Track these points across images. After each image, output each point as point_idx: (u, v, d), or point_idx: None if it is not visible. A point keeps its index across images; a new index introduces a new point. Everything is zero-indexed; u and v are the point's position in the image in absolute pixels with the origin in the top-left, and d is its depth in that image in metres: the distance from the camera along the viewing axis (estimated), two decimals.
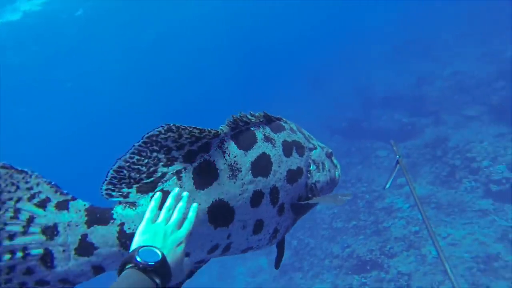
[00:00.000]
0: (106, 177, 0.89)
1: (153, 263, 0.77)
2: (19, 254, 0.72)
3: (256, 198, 1.01)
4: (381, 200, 7.98)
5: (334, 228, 8.26)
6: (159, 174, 0.91)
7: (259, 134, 1.10)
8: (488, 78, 10.17)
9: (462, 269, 5.46)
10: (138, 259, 0.77)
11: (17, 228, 0.73)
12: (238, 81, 27.49)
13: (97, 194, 0.91)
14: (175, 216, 0.91)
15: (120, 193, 0.91)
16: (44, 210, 0.78)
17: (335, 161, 1.48)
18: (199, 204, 0.93)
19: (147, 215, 0.90)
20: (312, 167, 1.26)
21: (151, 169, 0.91)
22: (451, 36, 14.35)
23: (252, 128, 1.09)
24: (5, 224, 0.72)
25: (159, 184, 0.93)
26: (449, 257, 5.74)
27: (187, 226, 0.91)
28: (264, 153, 1.06)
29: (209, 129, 0.98)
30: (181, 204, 0.92)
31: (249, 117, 1.12)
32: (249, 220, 1.01)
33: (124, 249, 0.86)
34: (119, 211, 0.89)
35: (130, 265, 0.77)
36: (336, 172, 1.44)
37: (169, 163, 0.92)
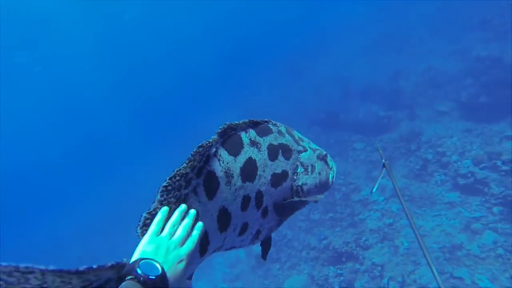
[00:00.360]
0: (139, 220, 0.94)
1: (153, 277, 0.78)
2: None
3: (245, 202, 1.06)
4: (357, 193, 8.21)
5: (311, 220, 8.44)
6: (183, 197, 0.95)
7: (245, 138, 1.12)
8: (458, 75, 10.58)
9: (432, 259, 5.75)
10: (139, 271, 0.78)
11: None
12: (216, 68, 27.03)
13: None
14: (179, 232, 0.91)
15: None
16: None
17: (330, 163, 1.49)
18: (212, 214, 0.96)
19: (152, 227, 0.90)
20: (300, 170, 1.28)
21: (177, 196, 0.95)
22: (426, 31, 14.71)
23: (238, 133, 1.11)
24: None
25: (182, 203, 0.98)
26: (420, 248, 6.04)
27: (190, 244, 0.91)
28: (250, 157, 1.09)
29: (205, 142, 1.01)
30: (186, 221, 0.93)
31: (236, 122, 1.13)
32: (238, 223, 1.06)
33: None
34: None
35: (130, 276, 0.77)
36: (330, 174, 1.45)
37: (188, 184, 0.96)
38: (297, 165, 1.28)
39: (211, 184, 0.98)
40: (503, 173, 6.48)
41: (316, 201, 1.27)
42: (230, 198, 1.02)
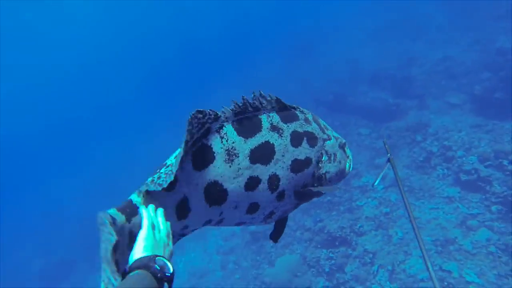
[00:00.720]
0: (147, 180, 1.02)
1: (169, 275, 0.88)
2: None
3: (252, 183, 1.07)
4: (357, 179, 8.20)
5: (309, 201, 8.49)
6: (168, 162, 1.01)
7: (265, 123, 1.13)
8: (475, 67, 10.22)
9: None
10: (157, 267, 0.86)
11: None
12: (225, 43, 26.42)
13: None
14: (162, 228, 0.98)
15: (137, 191, 1.03)
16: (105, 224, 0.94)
17: (348, 151, 1.49)
18: (196, 185, 0.99)
19: (146, 222, 0.95)
20: (324, 158, 1.30)
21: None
22: (445, 19, 14.10)
23: (260, 116, 1.13)
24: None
25: (167, 168, 1.00)
26: (413, 239, 6.08)
27: (171, 241, 1.00)
28: (267, 142, 1.10)
29: (210, 111, 1.02)
30: (161, 219, 0.99)
31: (262, 101, 1.15)
32: (242, 202, 1.08)
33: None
34: (136, 199, 0.99)
35: (146, 270, 0.86)
36: (347, 163, 1.46)
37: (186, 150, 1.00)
38: (322, 153, 1.29)
39: (202, 157, 1.00)
40: (508, 172, 6.39)
41: (334, 191, 1.32)
42: (228, 175, 1.03)
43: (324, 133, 1.34)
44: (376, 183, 1.93)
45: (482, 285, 5.17)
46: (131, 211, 0.95)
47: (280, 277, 6.94)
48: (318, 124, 1.33)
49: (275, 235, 1.39)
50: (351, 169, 1.49)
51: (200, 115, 1.00)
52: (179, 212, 1.00)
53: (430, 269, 1.46)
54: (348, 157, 1.49)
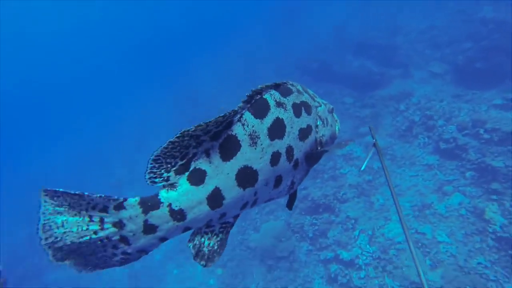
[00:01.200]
0: (147, 167, 1.06)
1: None
2: (105, 240, 1.02)
3: (275, 158, 1.18)
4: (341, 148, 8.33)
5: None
6: (190, 155, 1.08)
7: (271, 101, 1.22)
8: (459, 37, 10.26)
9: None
10: None
11: (96, 227, 1.01)
12: (213, 9, 25.35)
13: None
14: None
15: (161, 178, 1.07)
16: (108, 213, 1.02)
17: (335, 116, 1.62)
18: (227, 174, 1.09)
19: None
20: (319, 123, 1.41)
21: (183, 153, 1.07)
22: None
23: (264, 97, 1.22)
24: (88, 225, 1.00)
25: (192, 163, 1.09)
26: (393, 205, 6.36)
27: None
28: (277, 117, 1.20)
29: (229, 111, 1.11)
30: None
31: (260, 86, 1.24)
32: (270, 178, 1.18)
33: (177, 221, 1.07)
34: (164, 195, 1.06)
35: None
36: (337, 126, 1.60)
37: (198, 145, 1.07)
38: (316, 119, 1.40)
39: (230, 147, 1.10)
40: (483, 141, 6.65)
41: (341, 149, 1.41)
42: (255, 157, 1.13)
43: (314, 100, 1.44)
44: (362, 168, 1.97)
45: (450, 243, 5.56)
46: (152, 205, 1.05)
47: (265, 242, 7.17)
48: (308, 93, 1.43)
49: (290, 203, 1.50)
50: (339, 131, 1.62)
51: (219, 118, 1.08)
52: (212, 203, 1.08)
53: (407, 235, 1.49)
54: (336, 120, 1.63)
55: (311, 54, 13.47)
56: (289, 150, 1.23)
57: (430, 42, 10.90)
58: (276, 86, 1.29)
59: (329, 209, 6.70)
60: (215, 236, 1.18)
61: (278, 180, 1.23)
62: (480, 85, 8.71)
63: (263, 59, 17.11)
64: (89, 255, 1.01)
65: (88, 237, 1.00)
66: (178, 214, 1.06)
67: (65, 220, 0.99)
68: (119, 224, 1.03)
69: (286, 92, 1.29)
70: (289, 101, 1.27)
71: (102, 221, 1.02)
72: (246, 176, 1.12)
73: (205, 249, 1.17)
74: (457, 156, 6.77)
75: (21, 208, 16.22)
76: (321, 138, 1.41)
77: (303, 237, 6.73)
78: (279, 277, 6.61)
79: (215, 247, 1.17)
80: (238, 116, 1.14)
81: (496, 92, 8.21)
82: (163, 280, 8.37)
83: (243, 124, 1.13)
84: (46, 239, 0.98)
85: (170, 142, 1.05)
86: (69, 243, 0.99)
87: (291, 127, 1.24)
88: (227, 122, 1.10)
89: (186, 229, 1.11)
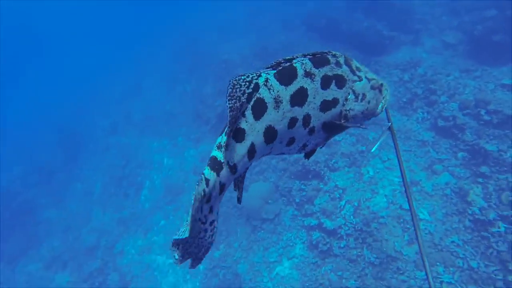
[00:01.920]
0: (219, 142, 1.27)
1: None
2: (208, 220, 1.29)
3: (292, 122, 1.31)
4: None
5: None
6: (237, 118, 1.25)
7: (300, 70, 1.30)
8: (483, 3, 9.51)
9: (388, 190, 6.16)
10: None
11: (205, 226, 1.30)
12: None
13: None
14: None
15: (216, 146, 1.28)
16: (208, 186, 1.23)
17: (384, 92, 1.59)
18: (258, 132, 1.26)
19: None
20: (350, 97, 1.44)
21: (234, 116, 1.23)
22: None
23: (295, 65, 1.31)
24: (209, 195, 1.26)
25: (237, 124, 1.26)
26: (382, 179, 6.38)
27: None
28: (302, 87, 1.30)
29: (252, 73, 1.26)
30: None
31: (294, 55, 1.34)
32: (284, 138, 1.34)
33: (233, 174, 1.27)
34: (219, 155, 1.24)
35: None
36: (380, 104, 1.58)
37: (241, 106, 1.24)
38: (348, 93, 1.43)
39: (259, 108, 1.25)
40: (482, 122, 6.50)
41: (358, 127, 1.50)
42: (277, 119, 1.28)
43: (354, 74, 1.45)
44: (373, 150, 1.98)
45: (430, 222, 5.70)
46: (219, 167, 1.23)
47: (252, 202, 7.30)
48: (350, 66, 1.44)
49: (308, 155, 1.60)
50: (383, 109, 1.61)
51: (243, 76, 1.25)
52: (250, 155, 1.27)
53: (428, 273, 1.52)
54: (384, 97, 1.60)
55: (320, 10, 12.58)
56: (306, 117, 1.34)
57: (449, 7, 10.13)
58: (313, 55, 1.35)
59: (319, 176, 6.72)
60: (242, 179, 1.40)
61: (291, 141, 1.38)
62: (493, 60, 8.28)
63: (268, 10, 16.02)
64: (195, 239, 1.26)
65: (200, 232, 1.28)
66: (233, 168, 1.26)
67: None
68: (209, 198, 1.24)
69: (320, 63, 1.35)
70: (320, 72, 1.34)
71: (205, 217, 1.27)
72: (270, 134, 1.29)
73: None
74: (453, 135, 6.66)
75: (15, 144, 16.24)
76: (347, 111, 1.44)
77: (290, 202, 6.84)
78: (262, 238, 6.85)
79: (241, 186, 1.41)
80: (264, 80, 1.27)
81: (508, 70, 7.84)
82: (151, 230, 8.67)
83: (269, 89, 1.26)
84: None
85: (228, 108, 1.21)
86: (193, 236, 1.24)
87: (314, 97, 1.33)
88: (254, 83, 1.25)
89: (235, 178, 1.32)
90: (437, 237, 5.49)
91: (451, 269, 5.21)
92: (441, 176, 6.29)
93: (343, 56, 1.43)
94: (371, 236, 5.64)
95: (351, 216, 5.92)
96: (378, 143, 1.82)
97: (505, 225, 5.28)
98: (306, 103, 1.32)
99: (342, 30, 11.40)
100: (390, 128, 1.73)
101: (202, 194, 1.21)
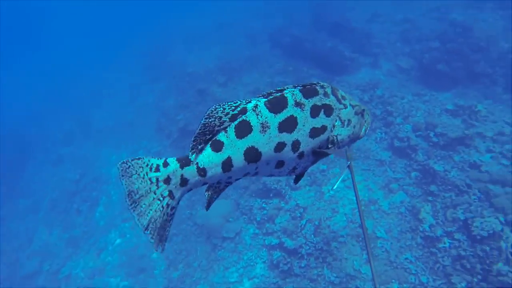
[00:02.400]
0: (191, 144, 1.35)
1: None
2: (164, 194, 1.34)
3: (279, 146, 1.39)
4: None
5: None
6: (215, 132, 1.35)
7: (290, 100, 1.40)
8: (429, 35, 10.33)
9: (348, 209, 6.31)
10: None
11: (154, 187, 1.33)
12: None
13: None
14: None
15: (196, 147, 1.36)
16: (159, 171, 1.32)
17: (366, 116, 1.72)
18: (238, 149, 1.35)
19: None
20: (337, 123, 1.55)
21: (211, 130, 1.35)
22: None
23: (285, 95, 1.41)
24: (150, 187, 1.32)
25: (216, 135, 1.35)
26: (342, 198, 6.52)
27: None
28: (292, 115, 1.39)
29: (242, 100, 1.38)
30: None
31: (285, 86, 1.45)
32: (271, 160, 1.42)
33: (201, 177, 1.34)
34: (194, 156, 1.34)
35: None
36: (363, 128, 1.72)
37: (221, 124, 1.35)
38: (336, 120, 1.54)
39: (243, 129, 1.34)
40: (431, 144, 6.93)
41: (351, 159, 1.61)
42: (262, 142, 1.36)
43: (340, 103, 1.56)
44: (335, 187, 2.12)
45: (387, 239, 5.89)
46: (186, 162, 1.33)
47: (213, 220, 7.12)
48: (336, 96, 1.55)
49: (296, 180, 1.67)
50: (366, 131, 1.74)
51: (230, 102, 1.37)
52: (224, 167, 1.34)
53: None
54: (366, 121, 1.73)
55: (285, 28, 12.92)
56: (295, 143, 1.43)
57: (402, 35, 10.88)
58: (303, 86, 1.46)
59: (280, 195, 6.73)
60: (219, 190, 1.47)
61: (280, 163, 1.46)
62: (439, 86, 8.97)
63: (235, 24, 16.19)
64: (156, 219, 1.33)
65: (152, 197, 1.33)
66: (202, 171, 1.34)
67: (137, 187, 1.33)
68: (167, 180, 1.32)
69: (310, 94, 1.45)
70: (309, 102, 1.44)
71: (157, 180, 1.32)
72: (251, 154, 1.37)
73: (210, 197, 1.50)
74: (407, 155, 7.02)
75: None
76: (334, 137, 1.55)
77: (251, 220, 6.76)
78: (223, 257, 6.66)
79: (215, 196, 1.48)
80: (253, 106, 1.37)
81: (450, 96, 8.52)
82: (105, 250, 8.12)
83: (257, 114, 1.36)
84: (131, 205, 1.31)
85: (202, 124, 1.33)
86: (144, 207, 1.33)
87: (303, 125, 1.43)
88: (241, 107, 1.36)
89: (205, 183, 1.39)
90: (392, 254, 5.68)
91: (405, 285, 5.39)
92: (396, 194, 6.57)
93: (330, 86, 1.54)
94: (331, 255, 5.70)
95: (312, 235, 5.95)
96: (339, 181, 2.00)
97: (449, 241, 5.60)
98: (296, 130, 1.41)
99: (306, 48, 11.76)
100: (349, 167, 1.82)
101: (151, 164, 1.33)
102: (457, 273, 5.30)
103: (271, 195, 6.76)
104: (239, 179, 1.49)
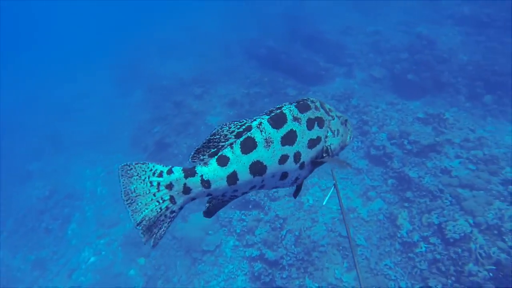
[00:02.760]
0: (191, 154, 1.43)
1: None
2: (164, 198, 1.39)
3: (283, 159, 1.48)
4: None
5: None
6: (220, 146, 1.45)
7: (289, 116, 1.51)
8: (399, 46, 10.80)
9: (328, 218, 6.34)
10: None
11: (155, 190, 1.37)
12: None
13: None
14: None
15: (200, 159, 1.44)
16: (162, 177, 1.38)
17: (349, 125, 1.86)
18: (243, 163, 1.43)
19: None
20: (329, 134, 1.68)
21: (216, 145, 1.45)
22: None
23: (284, 112, 1.51)
24: (149, 188, 1.37)
25: (220, 152, 1.43)
26: (322, 207, 6.56)
27: None
28: (291, 129, 1.50)
29: (247, 119, 1.49)
30: None
31: (282, 104, 1.57)
32: (277, 172, 1.49)
33: (204, 188, 1.39)
34: (199, 168, 1.42)
35: None
36: (348, 136, 1.85)
37: (226, 140, 1.45)
38: (327, 131, 1.67)
39: (248, 145, 1.42)
40: (406, 151, 7.16)
41: (345, 168, 1.66)
42: (267, 156, 1.44)
43: (329, 115, 1.70)
44: (324, 203, 2.28)
45: (366, 247, 5.96)
46: (192, 173, 1.39)
47: (192, 234, 6.95)
48: (324, 109, 1.70)
49: (296, 193, 1.79)
50: (352, 139, 1.87)
51: (236, 121, 1.48)
52: (229, 180, 1.41)
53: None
54: (349, 130, 1.87)
55: (261, 39, 13.09)
56: (297, 154, 1.53)
57: (374, 46, 11.30)
58: (297, 102, 1.60)
59: (259, 206, 6.68)
60: (223, 202, 1.54)
61: (284, 175, 1.54)
62: (409, 95, 9.35)
63: (210, 35, 16.23)
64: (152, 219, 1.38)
65: (150, 198, 1.37)
66: (206, 183, 1.40)
67: (135, 187, 1.37)
68: (170, 186, 1.37)
69: (304, 109, 1.58)
70: (305, 116, 1.57)
71: (159, 184, 1.37)
72: (256, 168, 1.45)
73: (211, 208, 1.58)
74: (383, 163, 7.20)
75: None
76: (328, 146, 1.67)
77: (231, 232, 6.65)
78: (203, 271, 6.49)
79: (219, 206, 1.56)
80: (258, 123, 1.47)
81: (420, 104, 8.89)
82: (77, 269, 7.70)
83: (261, 131, 1.46)
84: (127, 201, 1.35)
85: (207, 139, 1.43)
86: (140, 205, 1.37)
87: (302, 137, 1.55)
88: (247, 125, 1.47)
89: (209, 194, 1.44)
90: (372, 261, 5.74)
91: None
92: (374, 202, 6.69)
93: (318, 101, 1.69)
94: (313, 265, 5.69)
95: (293, 246, 5.92)
96: (327, 197, 2.12)
97: (425, 245, 5.74)
98: (296, 142, 1.52)
99: (281, 59, 11.95)
100: (335, 185, 2.04)
101: (155, 170, 1.39)
102: (433, 276, 5.42)
103: (250, 206, 6.70)
104: (246, 192, 1.56)
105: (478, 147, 6.95)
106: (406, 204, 6.36)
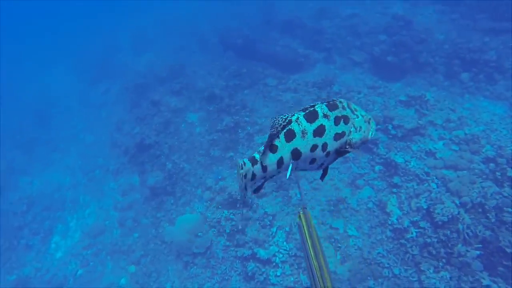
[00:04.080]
0: (259, 149, 1.79)
1: None
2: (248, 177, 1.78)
3: (313, 147, 1.81)
4: (261, 135, 8.14)
5: (211, 156, 8.18)
6: (274, 138, 1.77)
7: (320, 112, 1.81)
8: (376, 28, 10.67)
9: (317, 211, 6.27)
10: None
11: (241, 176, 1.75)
12: None
13: None
14: None
15: (257, 151, 1.79)
16: (242, 169, 1.73)
17: (372, 123, 2.07)
18: (287, 150, 1.77)
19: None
20: (352, 129, 1.91)
21: (272, 139, 1.77)
22: None
23: (317, 109, 1.81)
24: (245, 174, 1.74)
25: (274, 142, 1.78)
26: (310, 200, 6.48)
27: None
28: (321, 124, 1.81)
29: (288, 114, 1.80)
30: None
31: (315, 103, 1.86)
32: (308, 158, 1.82)
33: (263, 172, 1.76)
34: (258, 156, 1.76)
35: None
36: (370, 132, 2.05)
37: (278, 134, 1.76)
38: (351, 127, 1.90)
39: (290, 135, 1.76)
40: (390, 136, 7.13)
41: (356, 151, 1.94)
42: (302, 144, 1.77)
43: (354, 114, 1.93)
44: (287, 178, 2.28)
45: (358, 237, 5.94)
46: (255, 162, 1.74)
47: (181, 237, 6.76)
48: (350, 109, 1.93)
49: (323, 176, 2.03)
50: (373, 135, 2.06)
51: (283, 115, 1.78)
52: (278, 165, 1.76)
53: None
54: (371, 127, 2.07)
55: (237, 29, 12.70)
56: (324, 145, 1.81)
57: (351, 29, 11.12)
58: (328, 102, 1.85)
59: (247, 204, 6.53)
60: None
61: (313, 160, 1.83)
62: (390, 77, 9.29)
63: (184, 27, 15.67)
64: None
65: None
66: (265, 168, 1.74)
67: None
68: (246, 174, 1.74)
69: (333, 107, 1.84)
70: (333, 114, 1.83)
71: (243, 175, 1.73)
72: (295, 154, 1.76)
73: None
74: (369, 149, 7.15)
75: None
76: (350, 140, 1.92)
77: (220, 232, 6.50)
78: (196, 274, 6.35)
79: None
80: (296, 118, 1.76)
81: (401, 85, 8.86)
82: (64, 285, 7.41)
83: (298, 124, 1.75)
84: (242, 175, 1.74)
85: (269, 134, 1.74)
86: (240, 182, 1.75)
87: (329, 131, 1.82)
88: (288, 120, 1.76)
89: (264, 178, 1.78)
90: (365, 251, 5.72)
91: (380, 279, 5.45)
92: (363, 190, 6.65)
93: (346, 101, 1.94)
94: None
95: (284, 242, 5.83)
96: (288, 172, 2.21)
97: (416, 230, 5.77)
98: (324, 134, 1.80)
99: (258, 48, 11.64)
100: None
101: (242, 169, 1.70)
102: (425, 260, 5.46)
103: (238, 205, 6.55)
104: (285, 171, 1.86)
105: (459, 127, 6.99)
106: (394, 190, 6.35)
